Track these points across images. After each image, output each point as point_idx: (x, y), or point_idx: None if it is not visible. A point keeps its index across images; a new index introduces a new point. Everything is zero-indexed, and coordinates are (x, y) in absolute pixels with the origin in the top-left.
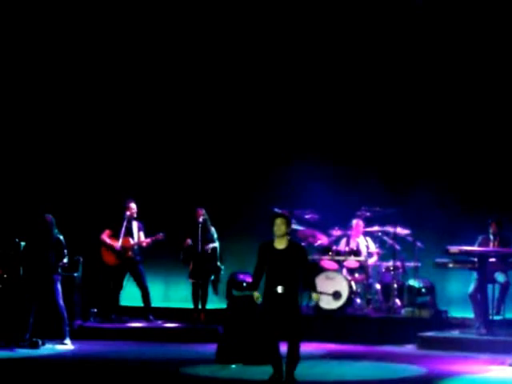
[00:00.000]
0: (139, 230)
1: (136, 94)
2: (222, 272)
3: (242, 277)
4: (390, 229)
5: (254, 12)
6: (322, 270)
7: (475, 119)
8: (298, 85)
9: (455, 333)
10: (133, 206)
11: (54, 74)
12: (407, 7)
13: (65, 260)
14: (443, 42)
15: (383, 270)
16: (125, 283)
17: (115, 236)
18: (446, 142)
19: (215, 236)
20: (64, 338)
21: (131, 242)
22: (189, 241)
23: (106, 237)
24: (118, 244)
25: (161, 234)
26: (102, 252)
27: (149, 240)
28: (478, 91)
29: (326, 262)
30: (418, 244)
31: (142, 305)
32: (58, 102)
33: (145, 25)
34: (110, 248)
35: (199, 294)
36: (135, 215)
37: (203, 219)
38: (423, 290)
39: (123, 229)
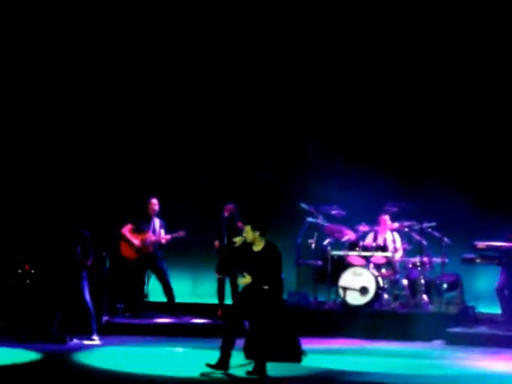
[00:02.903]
0: (160, 227)
1: (157, 93)
2: None
3: None
4: (416, 224)
5: (255, 10)
6: (348, 265)
7: (502, 114)
8: (323, 84)
9: (483, 329)
10: (154, 202)
11: (79, 78)
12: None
13: (90, 260)
14: (456, 35)
15: (410, 266)
16: (152, 279)
17: (137, 231)
18: (473, 137)
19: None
20: (91, 334)
21: (152, 237)
22: (217, 243)
23: (126, 231)
24: (138, 241)
25: (181, 232)
26: (121, 246)
27: (168, 237)
28: (500, 83)
29: (353, 257)
30: (445, 239)
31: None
32: (82, 101)
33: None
34: (129, 243)
35: (224, 290)
36: (157, 211)
37: (230, 215)
38: (450, 285)
39: (151, 225)
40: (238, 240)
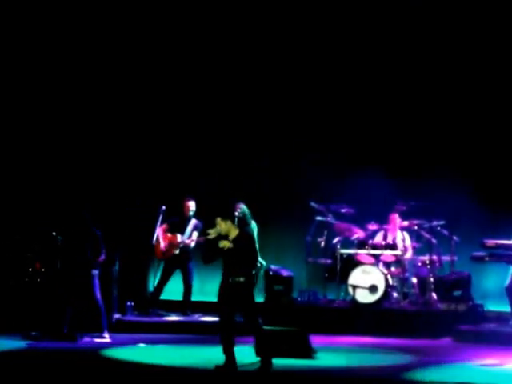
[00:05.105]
0: (194, 228)
1: (158, 93)
2: (264, 266)
3: (282, 271)
4: (425, 222)
5: (256, 9)
6: (358, 263)
7: (508, 114)
8: (329, 83)
9: (491, 326)
10: (189, 204)
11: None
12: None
13: (102, 256)
14: (456, 34)
15: (419, 264)
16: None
17: (170, 231)
18: (481, 136)
19: (255, 231)
20: (102, 332)
21: (178, 239)
22: None
23: (160, 231)
24: (165, 243)
25: (202, 238)
26: (155, 245)
27: (188, 241)
28: (505, 83)
29: (363, 255)
30: (455, 238)
31: (179, 299)
32: (86, 103)
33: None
34: (159, 242)
35: None
36: (191, 213)
37: (239, 213)
38: (459, 283)
39: (185, 226)
40: (211, 232)
